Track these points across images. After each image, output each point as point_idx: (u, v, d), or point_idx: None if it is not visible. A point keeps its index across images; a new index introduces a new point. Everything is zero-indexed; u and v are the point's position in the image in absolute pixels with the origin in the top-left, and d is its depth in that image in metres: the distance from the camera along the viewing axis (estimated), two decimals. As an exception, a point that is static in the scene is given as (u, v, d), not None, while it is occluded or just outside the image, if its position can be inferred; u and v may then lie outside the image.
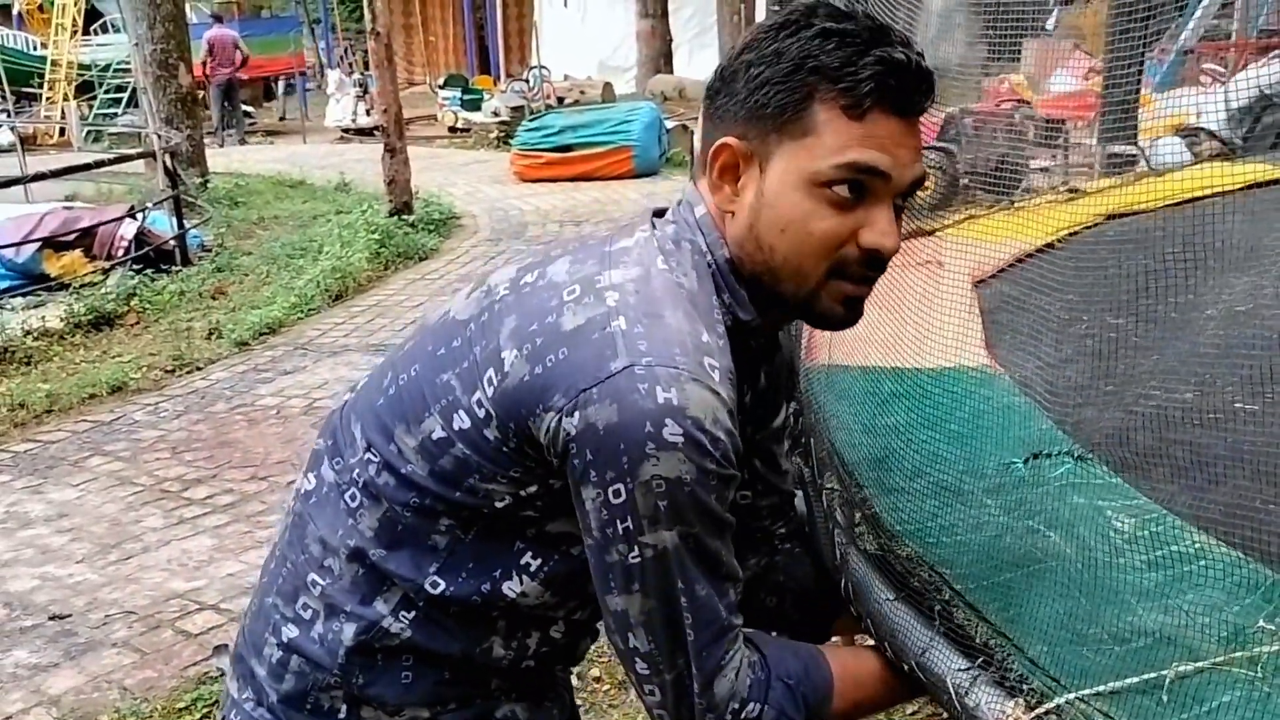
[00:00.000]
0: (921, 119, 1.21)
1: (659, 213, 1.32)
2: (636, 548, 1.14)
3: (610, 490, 1.12)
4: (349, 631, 1.29)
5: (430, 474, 1.23)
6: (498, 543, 1.26)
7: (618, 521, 1.13)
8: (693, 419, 1.10)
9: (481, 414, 1.18)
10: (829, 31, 1.16)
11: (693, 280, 1.22)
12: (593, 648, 3.43)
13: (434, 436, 1.22)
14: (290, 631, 1.33)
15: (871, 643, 1.41)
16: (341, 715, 1.32)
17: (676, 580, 1.16)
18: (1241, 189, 2.66)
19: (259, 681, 1.36)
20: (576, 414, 1.10)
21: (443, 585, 1.26)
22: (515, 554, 1.26)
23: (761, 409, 1.39)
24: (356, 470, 1.29)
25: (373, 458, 1.27)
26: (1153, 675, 1.12)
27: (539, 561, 1.26)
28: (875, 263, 1.21)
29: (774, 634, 1.57)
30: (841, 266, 1.21)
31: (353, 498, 1.30)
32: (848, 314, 1.25)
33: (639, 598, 1.16)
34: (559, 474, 1.17)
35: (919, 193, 1.28)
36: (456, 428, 1.20)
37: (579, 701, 3.23)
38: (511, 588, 1.26)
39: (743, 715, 1.23)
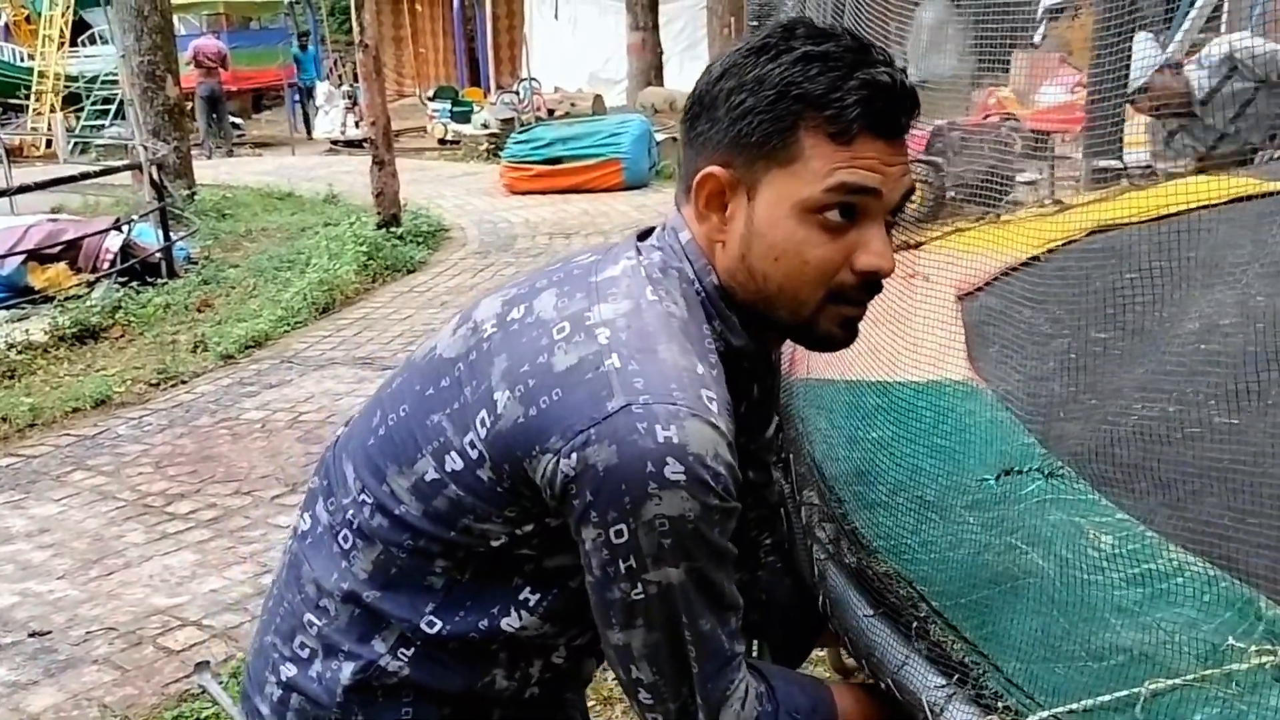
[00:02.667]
0: (909, 132, 1.20)
1: (644, 234, 1.30)
2: (640, 585, 1.13)
3: (612, 530, 1.11)
4: (347, 670, 1.28)
5: (424, 514, 1.22)
6: (495, 580, 1.25)
7: (620, 561, 1.12)
8: (694, 455, 1.09)
9: (474, 455, 1.17)
10: (810, 56, 1.15)
11: (683, 309, 1.20)
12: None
13: (427, 478, 1.21)
14: (289, 670, 1.33)
15: (873, 680, 1.40)
16: None
17: (681, 614, 1.15)
18: (1225, 203, 2.66)
19: (263, 719, 1.36)
20: (574, 455, 1.10)
21: (439, 625, 1.25)
22: (513, 590, 1.26)
23: (755, 420, 1.37)
24: (350, 511, 1.29)
25: (366, 499, 1.27)
26: (1126, 693, 1.11)
27: (537, 597, 1.26)
28: (872, 285, 1.21)
29: (755, 647, 1.57)
30: (839, 292, 1.20)
31: (345, 539, 1.29)
32: (846, 335, 1.25)
33: (642, 632, 1.16)
34: (556, 513, 1.16)
35: (906, 205, 1.27)
36: (449, 469, 1.19)
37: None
38: (510, 623, 1.26)
39: None
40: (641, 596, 1.13)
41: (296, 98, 20.32)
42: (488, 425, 1.16)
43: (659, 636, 1.16)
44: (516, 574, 1.25)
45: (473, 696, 1.30)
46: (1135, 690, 1.10)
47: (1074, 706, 1.11)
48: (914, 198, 1.28)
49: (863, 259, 1.18)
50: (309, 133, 19.67)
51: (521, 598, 1.25)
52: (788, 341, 1.36)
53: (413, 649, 1.27)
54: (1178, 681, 1.11)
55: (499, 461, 1.16)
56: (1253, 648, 1.13)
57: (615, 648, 1.19)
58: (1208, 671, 1.12)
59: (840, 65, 1.14)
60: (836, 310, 1.21)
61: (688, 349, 1.16)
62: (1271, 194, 2.92)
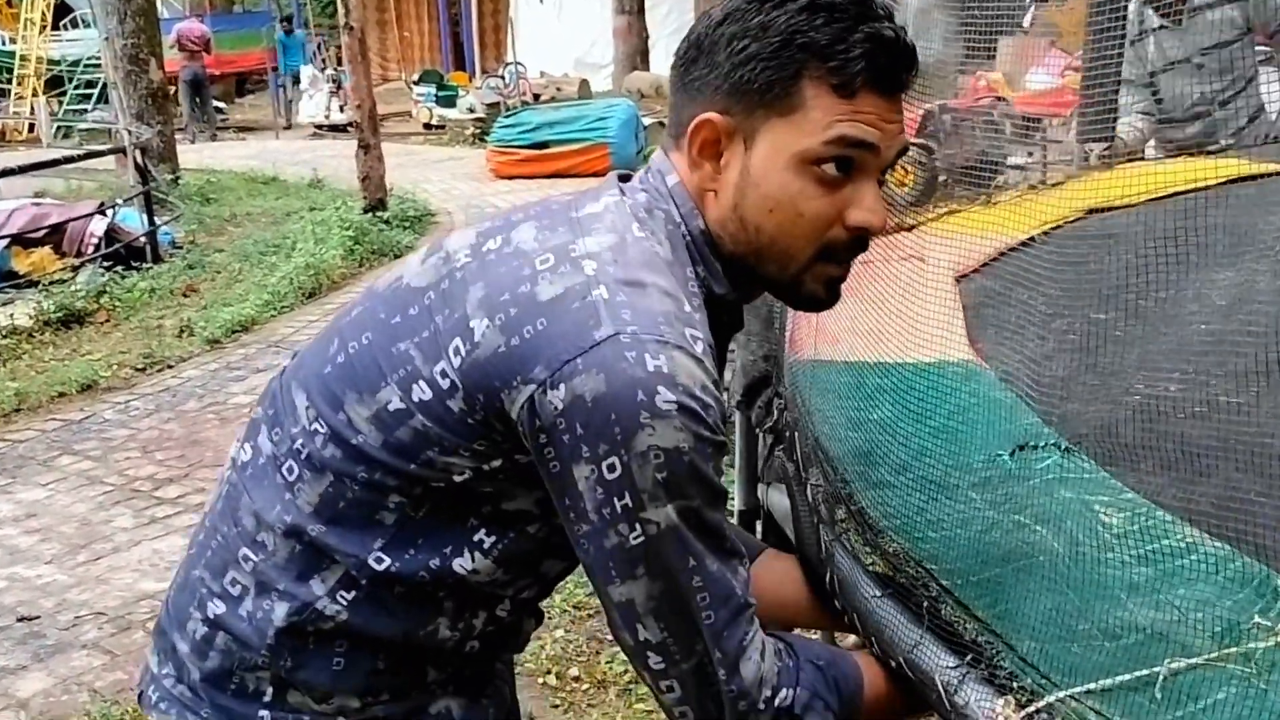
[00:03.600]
0: (908, 90, 1.20)
1: (624, 178, 1.28)
2: (638, 526, 1.09)
3: (605, 465, 1.07)
4: (280, 611, 1.23)
5: (384, 446, 1.17)
6: (449, 520, 1.21)
7: (615, 500, 1.08)
8: (683, 386, 1.06)
9: (445, 385, 1.13)
10: (816, 5, 1.13)
11: (667, 250, 1.18)
12: (569, 644, 3.41)
13: (390, 407, 1.17)
14: (217, 607, 1.27)
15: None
16: (267, 698, 1.26)
17: (685, 557, 1.11)
18: (1221, 184, 2.65)
19: (180, 657, 1.30)
20: (561, 386, 1.06)
21: (388, 561, 1.21)
22: (468, 531, 1.21)
23: None
24: (299, 441, 1.23)
25: (319, 428, 1.21)
26: (1145, 672, 1.09)
27: (493, 539, 1.22)
28: (861, 242, 1.20)
29: None
30: (829, 248, 1.19)
31: (290, 470, 1.24)
32: (829, 296, 1.24)
33: (645, 582, 1.11)
34: (525, 449, 1.13)
35: (898, 188, 1.26)
36: (416, 399, 1.15)
37: (557, 703, 3.22)
38: (462, 564, 1.22)
39: (776, 703, 1.18)
40: (641, 539, 1.09)
41: (280, 84, 20.18)
42: (462, 354, 1.12)
43: (663, 585, 1.11)
44: (473, 515, 1.21)
45: (411, 646, 1.26)
46: (1154, 670, 1.09)
47: (1092, 686, 1.10)
48: (905, 180, 1.27)
49: (855, 214, 1.17)
50: (288, 121, 19.50)
51: (476, 539, 1.21)
52: (790, 323, 1.35)
53: (354, 591, 1.22)
54: (1196, 661, 1.10)
55: (473, 392, 1.12)
56: (1276, 626, 1.12)
57: (619, 606, 1.14)
58: (1226, 650, 1.11)
59: (846, 17, 1.13)
60: (824, 269, 1.21)
61: (674, 287, 1.14)
62: (1263, 176, 2.91)
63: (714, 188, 1.20)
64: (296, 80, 20.24)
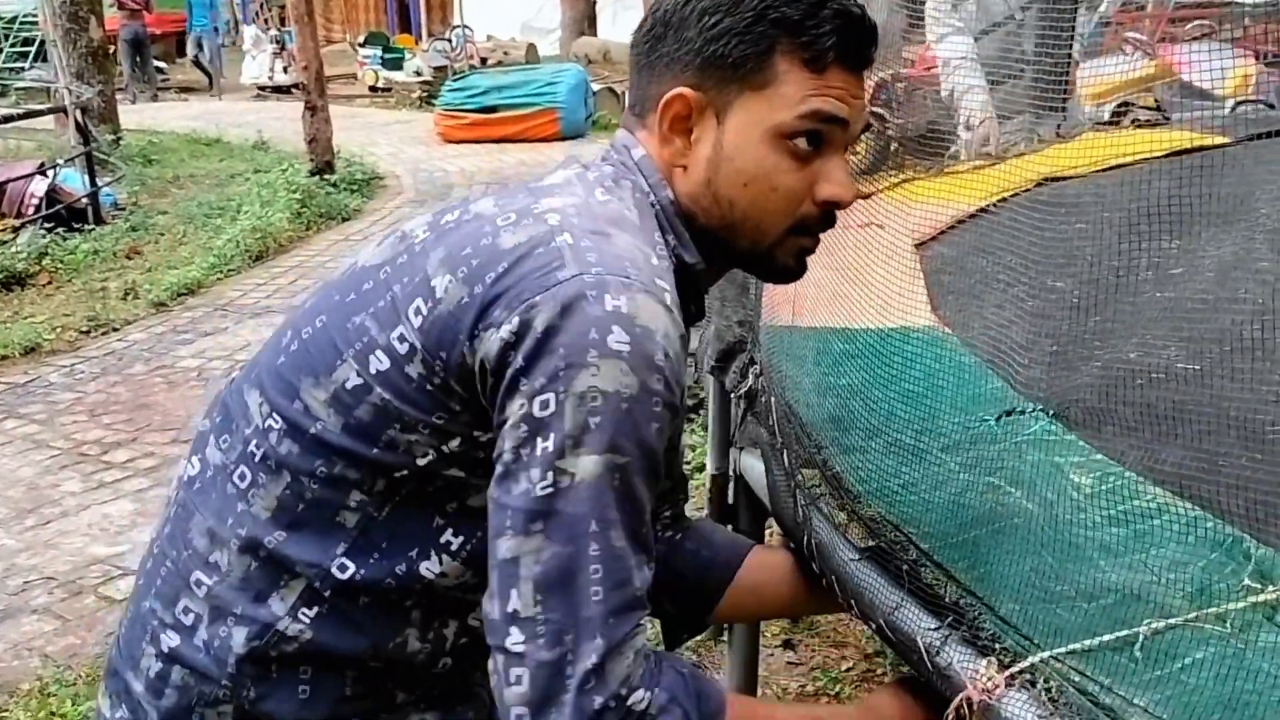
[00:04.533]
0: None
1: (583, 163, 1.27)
2: (551, 474, 1.00)
3: (537, 401, 1.00)
4: (239, 637, 1.15)
5: (344, 429, 1.11)
6: (414, 519, 1.15)
7: (538, 439, 1.00)
8: (642, 328, 1.01)
9: (404, 349, 1.08)
10: None
11: (635, 215, 1.16)
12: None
13: (348, 385, 1.11)
14: (171, 639, 1.18)
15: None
16: None
17: (591, 521, 1.00)
18: (1168, 155, 2.69)
19: (135, 698, 1.21)
20: (515, 319, 1.02)
21: (352, 569, 1.14)
22: (434, 531, 1.16)
23: None
24: (252, 443, 1.17)
25: (274, 423, 1.15)
26: (1126, 633, 1.12)
27: (460, 539, 1.16)
28: (830, 216, 1.21)
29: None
30: (801, 223, 1.20)
31: (243, 477, 1.17)
32: (799, 268, 1.25)
33: (538, 539, 1.00)
34: (485, 424, 1.07)
35: (854, 156, 1.27)
36: (374, 370, 1.10)
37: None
38: (430, 568, 1.16)
39: (629, 702, 1.02)
40: (548, 490, 1.00)
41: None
42: (423, 313, 1.07)
43: (556, 551, 1.00)
44: (437, 513, 1.15)
45: (380, 663, 1.19)
46: (1136, 630, 1.11)
47: (1075, 647, 1.12)
48: (857, 149, 1.28)
49: (825, 189, 1.18)
50: (210, 84, 18.94)
51: (443, 540, 1.16)
52: (767, 293, 1.35)
53: (316, 607, 1.15)
54: (1175, 621, 1.13)
55: (433, 350, 1.07)
56: (1250, 587, 1.15)
57: (500, 564, 1.02)
58: (1203, 611, 1.14)
59: None
60: (795, 241, 1.22)
61: (643, 243, 1.12)
62: (1207, 148, 2.96)
63: (684, 163, 1.20)
64: (200, 43, 19.43)
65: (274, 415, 1.16)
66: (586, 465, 1.00)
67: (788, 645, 3.21)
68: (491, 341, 1.03)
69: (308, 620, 1.16)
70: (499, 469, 1.04)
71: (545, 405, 1.00)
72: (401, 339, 1.09)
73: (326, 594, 1.15)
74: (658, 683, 1.06)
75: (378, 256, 1.18)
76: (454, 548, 1.16)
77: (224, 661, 1.16)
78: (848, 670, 3.05)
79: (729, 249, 1.23)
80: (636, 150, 1.22)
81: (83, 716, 3.03)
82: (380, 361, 1.10)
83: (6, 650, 3.43)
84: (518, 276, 1.04)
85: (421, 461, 1.12)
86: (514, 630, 1.01)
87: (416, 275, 1.11)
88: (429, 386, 1.09)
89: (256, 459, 1.16)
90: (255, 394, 1.19)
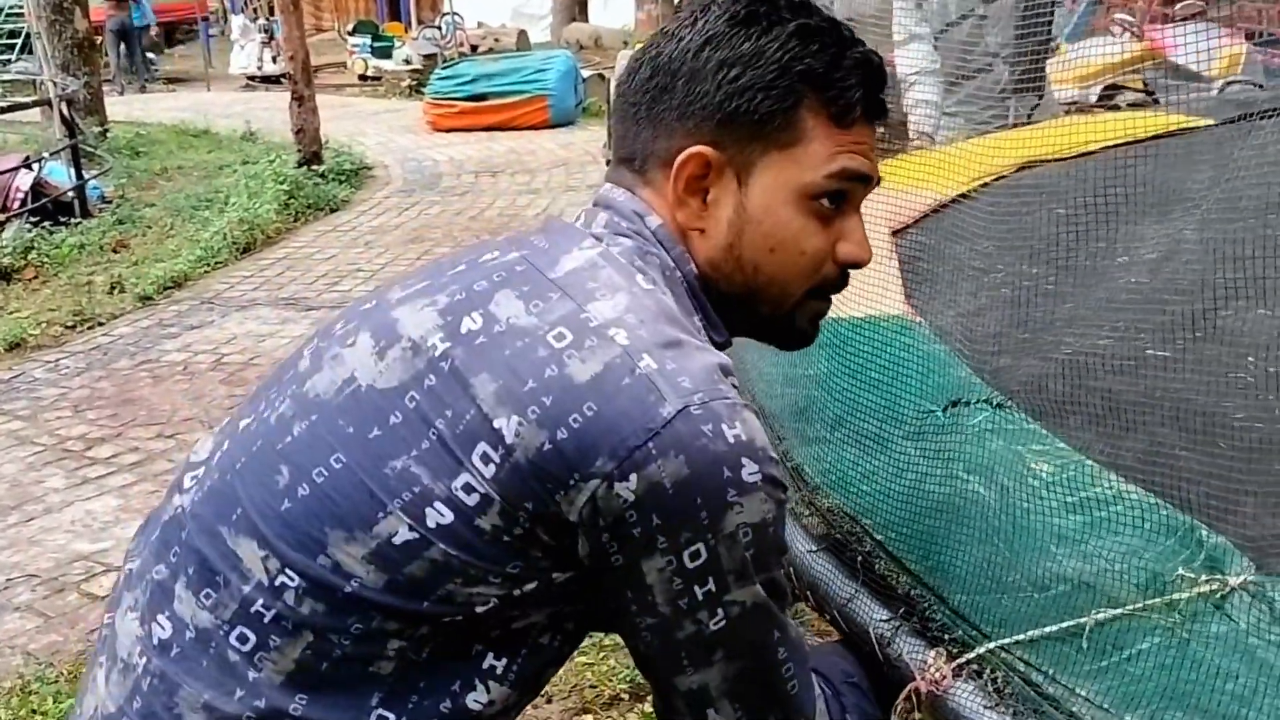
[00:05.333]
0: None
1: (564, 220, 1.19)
2: (721, 609, 0.99)
3: (687, 554, 0.96)
4: None
5: (388, 587, 0.99)
6: (455, 653, 1.04)
7: (695, 588, 0.97)
8: (762, 449, 0.97)
9: (474, 500, 0.97)
10: (807, 31, 1.09)
11: (672, 299, 1.08)
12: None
13: (395, 540, 0.98)
14: None
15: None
16: None
17: (771, 631, 1.03)
18: (1151, 138, 2.69)
19: None
20: (633, 477, 0.93)
21: (392, 718, 1.02)
22: (474, 659, 1.05)
23: None
24: (258, 602, 1.02)
25: (288, 581, 1.01)
26: (1072, 623, 1.12)
27: (504, 662, 1.06)
28: (846, 277, 1.17)
29: None
30: (821, 285, 1.15)
31: (244, 640, 1.02)
32: (813, 332, 1.21)
33: (722, 665, 1.02)
34: (566, 566, 1.00)
35: None
36: (433, 524, 0.98)
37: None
38: (477, 699, 1.05)
39: None
40: (722, 624, 0.99)
41: (211, 31, 19.59)
42: (495, 460, 0.96)
43: (743, 665, 1.02)
44: (478, 640, 1.04)
45: None
46: (1080, 620, 1.12)
47: (1020, 638, 1.12)
48: None
49: (846, 249, 1.13)
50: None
51: (486, 666, 1.05)
52: None
53: None
54: (1121, 611, 1.13)
55: (515, 502, 0.96)
56: (1202, 577, 1.15)
57: (687, 694, 1.03)
58: (1150, 601, 1.14)
59: (832, 42, 1.09)
60: (814, 306, 1.17)
61: (700, 340, 1.05)
62: (1188, 130, 2.95)
63: (700, 226, 1.12)
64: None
65: (286, 571, 1.02)
66: (751, 592, 1.00)
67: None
68: (602, 495, 0.95)
69: None
70: (650, 619, 1.00)
71: (696, 555, 0.96)
72: (469, 489, 0.97)
73: None
74: (845, 709, 1.17)
75: (389, 376, 1.04)
76: (499, 671, 1.06)
77: None
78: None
79: (748, 315, 1.17)
80: (651, 219, 1.12)
81: (63, 714, 3.03)
82: (440, 515, 0.98)
83: (-12, 647, 3.43)
84: (611, 418, 0.95)
85: (480, 610, 1.01)
86: None
87: (465, 410, 0.98)
88: (506, 538, 0.98)
89: (265, 620, 1.02)
90: (250, 544, 1.04)
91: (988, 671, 1.11)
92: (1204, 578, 1.15)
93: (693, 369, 0.97)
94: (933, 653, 1.16)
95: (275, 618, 1.01)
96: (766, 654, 1.03)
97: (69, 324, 6.48)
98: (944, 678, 1.13)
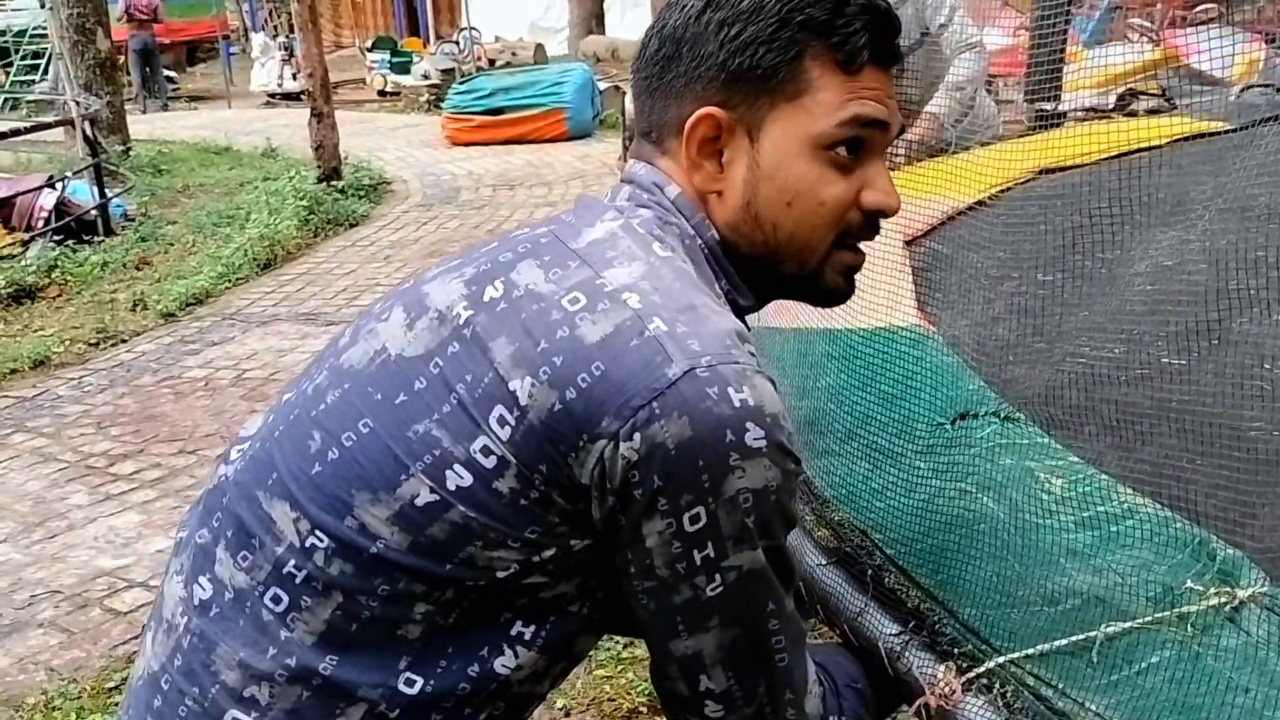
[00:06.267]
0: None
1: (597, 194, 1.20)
2: (719, 575, 0.99)
3: (687, 517, 0.96)
4: None
5: (411, 548, 1.01)
6: (482, 619, 1.05)
7: (694, 551, 0.98)
8: (771, 417, 0.96)
9: (491, 463, 0.98)
10: None
11: (692, 267, 1.09)
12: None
13: (418, 502, 1.00)
14: None
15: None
16: None
17: (766, 601, 1.03)
18: (1168, 143, 2.67)
19: None
20: (637, 436, 0.94)
21: (420, 682, 1.04)
22: (502, 626, 1.06)
23: None
24: (290, 563, 1.05)
25: (318, 542, 1.03)
26: (1082, 637, 1.11)
27: (533, 629, 1.07)
28: (875, 225, 1.15)
29: None
30: (846, 235, 1.14)
31: (278, 600, 1.05)
32: (848, 286, 1.19)
33: (717, 632, 1.02)
34: (589, 529, 1.01)
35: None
36: (453, 486, 0.99)
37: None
38: (505, 664, 1.06)
39: None
40: (719, 589, 0.99)
41: (232, 50, 19.65)
42: (510, 423, 0.97)
43: (737, 633, 1.03)
44: (506, 608, 1.05)
45: None
46: (1090, 634, 1.11)
47: (1030, 651, 1.11)
48: None
49: (871, 196, 1.12)
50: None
51: (515, 633, 1.06)
52: None
53: None
54: (1132, 625, 1.12)
55: (530, 464, 0.97)
56: (1209, 590, 1.14)
57: (681, 659, 1.04)
58: (1162, 614, 1.13)
59: None
60: (841, 258, 1.15)
61: (719, 305, 1.05)
62: (1209, 135, 2.94)
63: (718, 188, 1.12)
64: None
65: (317, 533, 1.04)
66: (750, 557, 1.00)
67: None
68: (609, 457, 0.96)
69: None
70: (649, 581, 1.01)
71: (696, 519, 0.96)
72: (487, 451, 0.99)
73: (393, 714, 1.04)
74: (842, 709, 1.14)
75: (417, 344, 1.06)
76: (527, 638, 1.07)
77: None
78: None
79: (774, 275, 1.16)
80: (670, 188, 1.13)
81: (86, 730, 3.04)
82: (460, 477, 1.00)
83: (12, 664, 3.45)
84: (618, 379, 0.96)
85: (501, 574, 1.03)
86: (710, 704, 1.06)
87: (484, 374, 1.00)
88: (523, 501, 1.00)
89: (297, 580, 1.05)
90: (283, 506, 1.07)
91: (997, 686, 1.10)
92: (1213, 590, 1.15)
93: (703, 333, 0.98)
94: (942, 667, 1.16)
95: (306, 578, 1.04)
96: (760, 624, 1.03)
97: (92, 341, 6.53)
98: (954, 692, 1.12)
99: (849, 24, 1.07)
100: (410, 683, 1.04)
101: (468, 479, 0.99)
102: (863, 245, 1.17)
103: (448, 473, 0.99)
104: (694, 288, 1.04)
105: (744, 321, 1.15)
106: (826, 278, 1.16)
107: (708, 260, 1.12)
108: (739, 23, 1.08)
